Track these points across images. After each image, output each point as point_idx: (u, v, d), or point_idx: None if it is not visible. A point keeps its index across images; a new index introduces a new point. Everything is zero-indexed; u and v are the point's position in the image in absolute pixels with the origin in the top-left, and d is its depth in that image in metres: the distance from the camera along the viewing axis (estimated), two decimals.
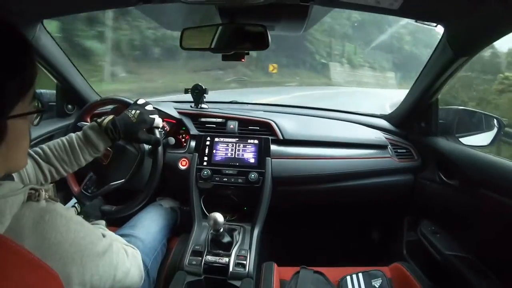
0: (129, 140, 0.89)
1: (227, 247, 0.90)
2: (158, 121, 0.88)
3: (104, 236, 0.52)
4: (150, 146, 0.99)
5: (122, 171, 0.94)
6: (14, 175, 0.63)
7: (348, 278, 0.90)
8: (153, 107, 0.91)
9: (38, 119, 0.49)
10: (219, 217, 0.81)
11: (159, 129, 1.00)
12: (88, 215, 0.79)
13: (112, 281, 0.49)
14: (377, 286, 0.88)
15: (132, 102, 0.92)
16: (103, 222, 0.77)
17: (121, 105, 0.98)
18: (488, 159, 0.87)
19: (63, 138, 0.75)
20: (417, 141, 1.17)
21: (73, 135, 0.75)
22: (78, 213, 0.80)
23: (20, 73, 0.40)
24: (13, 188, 0.39)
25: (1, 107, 0.37)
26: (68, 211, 0.44)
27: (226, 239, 0.90)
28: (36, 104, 0.46)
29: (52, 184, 0.46)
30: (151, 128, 0.87)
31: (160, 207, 1.06)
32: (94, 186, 0.96)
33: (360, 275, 0.91)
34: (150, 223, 0.95)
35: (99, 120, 0.78)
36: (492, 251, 0.85)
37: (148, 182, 0.90)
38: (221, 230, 0.85)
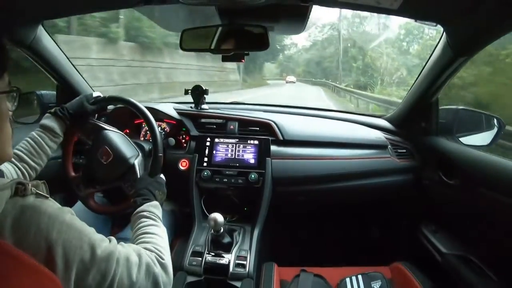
0: (80, 115, 0.87)
1: (227, 248, 0.90)
2: (97, 92, 0.95)
3: (110, 240, 0.48)
4: (150, 147, 0.99)
5: (129, 149, 0.91)
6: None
7: (348, 280, 0.90)
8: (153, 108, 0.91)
9: (16, 102, 0.49)
10: (219, 217, 0.82)
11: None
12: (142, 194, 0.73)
13: None
14: None
15: (130, 99, 0.93)
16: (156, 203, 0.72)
17: (120, 103, 0.97)
18: (488, 158, 0.87)
19: (26, 138, 0.80)
20: (417, 141, 1.17)
21: (33, 131, 0.82)
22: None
23: None
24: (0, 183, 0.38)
25: None
26: (58, 210, 0.42)
27: (226, 239, 0.91)
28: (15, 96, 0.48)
29: (42, 181, 0.45)
30: (95, 101, 0.90)
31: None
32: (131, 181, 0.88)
33: (360, 277, 0.91)
34: None
35: (50, 110, 0.85)
36: (492, 250, 0.85)
37: None
38: (221, 230, 0.86)
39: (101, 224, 1.04)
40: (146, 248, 0.55)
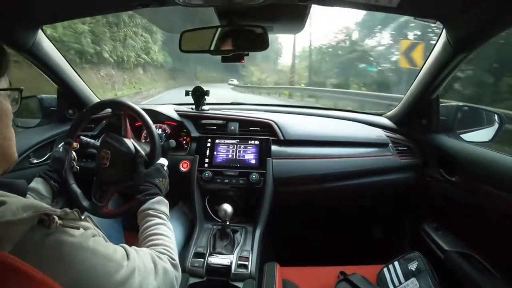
0: (60, 165, 0.83)
1: (229, 248, 0.90)
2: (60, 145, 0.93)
3: (128, 257, 0.47)
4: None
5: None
6: None
7: (385, 270, 0.94)
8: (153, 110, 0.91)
9: (19, 102, 0.49)
10: (228, 208, 0.90)
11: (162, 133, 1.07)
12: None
13: None
14: (413, 269, 0.90)
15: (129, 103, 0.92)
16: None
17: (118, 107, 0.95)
18: (489, 155, 0.87)
19: None
20: (418, 139, 1.17)
21: None
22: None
23: None
24: (20, 209, 0.36)
25: None
26: (81, 237, 0.40)
27: (228, 240, 0.92)
28: (17, 97, 0.49)
29: (74, 209, 0.43)
30: (63, 145, 0.88)
31: (184, 215, 1.07)
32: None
33: (396, 263, 0.94)
34: (177, 234, 0.96)
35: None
36: (494, 247, 0.85)
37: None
38: (228, 222, 0.90)
39: (115, 230, 1.00)
40: (157, 251, 0.56)
